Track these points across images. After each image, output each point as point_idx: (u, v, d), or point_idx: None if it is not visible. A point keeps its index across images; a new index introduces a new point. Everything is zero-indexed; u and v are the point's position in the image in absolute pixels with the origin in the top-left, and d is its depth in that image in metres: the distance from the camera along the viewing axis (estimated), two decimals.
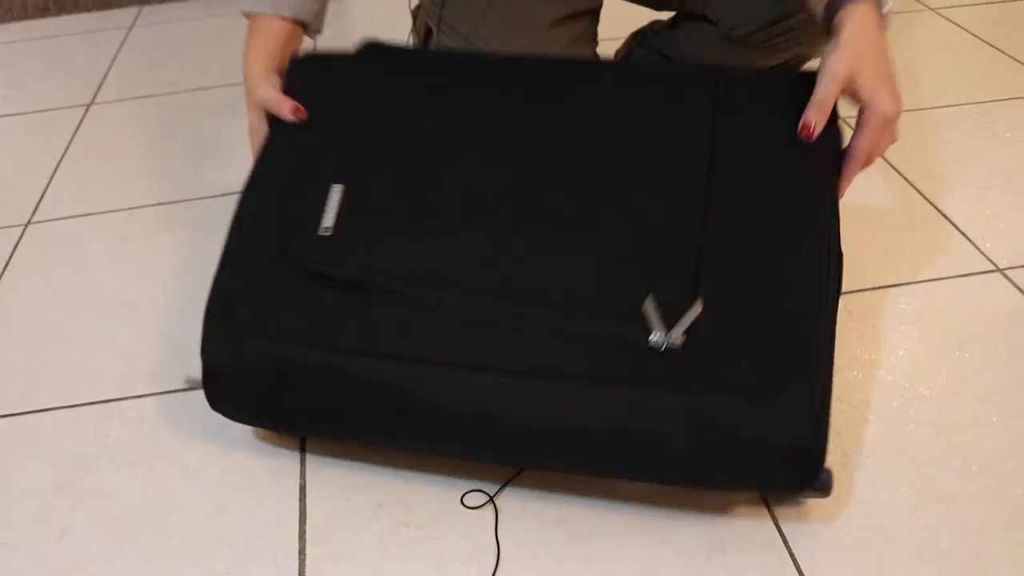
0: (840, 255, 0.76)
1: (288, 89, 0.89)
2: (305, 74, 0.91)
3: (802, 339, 0.71)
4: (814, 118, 0.79)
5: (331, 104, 0.88)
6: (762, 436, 0.69)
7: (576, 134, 0.83)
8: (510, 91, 0.87)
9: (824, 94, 0.79)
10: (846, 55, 0.78)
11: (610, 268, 0.75)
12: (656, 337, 0.71)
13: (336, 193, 0.83)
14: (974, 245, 1.09)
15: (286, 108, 0.87)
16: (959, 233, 1.11)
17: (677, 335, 0.71)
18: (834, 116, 0.80)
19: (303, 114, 0.87)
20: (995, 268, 1.05)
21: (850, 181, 0.82)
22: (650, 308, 0.72)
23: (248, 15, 0.92)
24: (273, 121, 0.89)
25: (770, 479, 0.72)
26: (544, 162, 0.82)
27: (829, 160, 0.80)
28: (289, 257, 0.80)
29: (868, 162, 0.82)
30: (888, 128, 0.80)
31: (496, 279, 0.76)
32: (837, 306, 0.74)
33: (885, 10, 0.80)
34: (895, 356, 0.93)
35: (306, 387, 0.77)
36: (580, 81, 0.86)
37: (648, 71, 0.90)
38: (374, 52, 0.92)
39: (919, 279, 1.04)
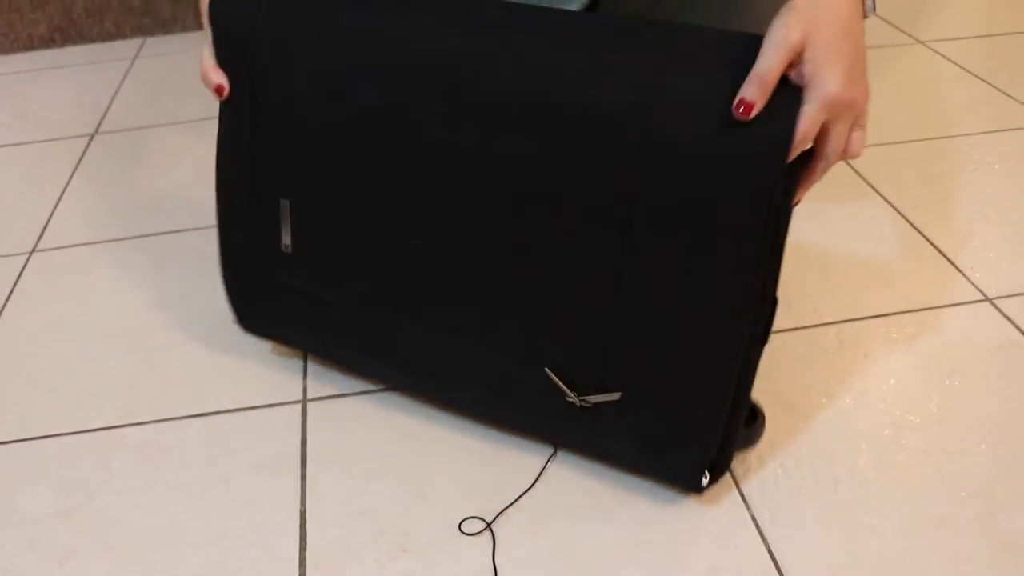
0: (775, 301, 0.73)
1: (216, 39, 0.85)
2: (230, 19, 0.84)
3: (704, 412, 0.77)
4: (752, 95, 0.65)
5: (258, 74, 0.84)
6: (657, 471, 0.84)
7: (492, 175, 0.76)
8: (431, 75, 0.76)
9: (766, 65, 0.64)
10: (798, 19, 0.64)
11: (529, 330, 0.81)
12: (570, 398, 0.82)
13: (286, 210, 0.87)
14: (964, 275, 1.11)
15: (210, 83, 0.85)
16: (949, 263, 1.13)
17: (588, 401, 0.81)
18: (791, 114, 0.65)
19: (223, 95, 0.85)
20: (984, 298, 1.07)
21: (803, 184, 0.69)
22: (550, 375, 0.82)
23: None
24: (220, 105, 0.89)
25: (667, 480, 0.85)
26: (455, 197, 0.79)
27: (771, 180, 0.67)
28: (260, 270, 0.93)
29: (825, 160, 0.68)
30: (841, 116, 0.66)
31: (437, 312, 0.85)
32: (760, 354, 0.75)
33: None
34: (886, 384, 0.95)
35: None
36: (503, 79, 0.74)
37: (583, 63, 0.71)
38: None
39: (910, 308, 1.06)
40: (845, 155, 0.69)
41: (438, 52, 0.75)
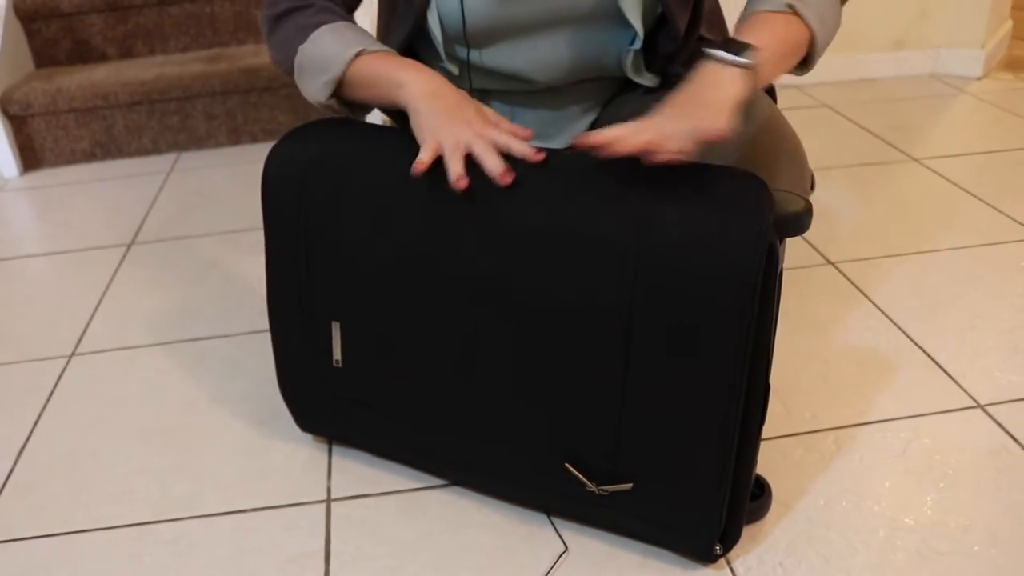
0: (767, 387, 0.83)
1: (270, 187, 0.96)
2: (284, 168, 0.95)
3: (707, 494, 0.85)
4: (592, 139, 0.79)
5: (310, 223, 0.94)
6: (672, 546, 0.93)
7: (502, 301, 0.87)
8: (449, 220, 0.88)
9: (620, 130, 0.79)
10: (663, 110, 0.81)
11: (550, 433, 0.91)
12: (590, 488, 0.90)
13: (336, 330, 0.98)
14: (956, 383, 1.16)
15: (525, 148, 0.87)
16: (942, 371, 1.19)
17: (606, 490, 0.89)
18: (771, 252, 0.77)
19: (509, 179, 0.85)
20: (976, 404, 1.12)
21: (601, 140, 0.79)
22: (571, 469, 0.90)
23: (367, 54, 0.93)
24: (269, 241, 0.99)
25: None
26: (472, 325, 0.89)
27: (748, 289, 0.77)
28: (314, 381, 1.03)
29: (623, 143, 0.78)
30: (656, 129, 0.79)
31: (469, 421, 0.95)
32: (760, 434, 0.85)
33: (730, 59, 0.82)
34: (881, 487, 1.00)
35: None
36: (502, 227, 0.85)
37: (577, 208, 0.83)
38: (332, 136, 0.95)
39: (904, 415, 1.11)
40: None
41: (462, 198, 0.86)
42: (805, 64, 0.92)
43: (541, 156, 0.85)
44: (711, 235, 0.77)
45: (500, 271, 0.85)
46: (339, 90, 0.94)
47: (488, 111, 0.91)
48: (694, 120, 0.79)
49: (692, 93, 0.82)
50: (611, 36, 0.95)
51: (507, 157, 0.86)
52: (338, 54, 0.92)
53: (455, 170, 0.85)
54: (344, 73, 0.92)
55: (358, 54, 0.92)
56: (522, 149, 0.86)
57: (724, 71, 0.82)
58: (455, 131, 0.86)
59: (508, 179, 0.84)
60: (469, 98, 0.91)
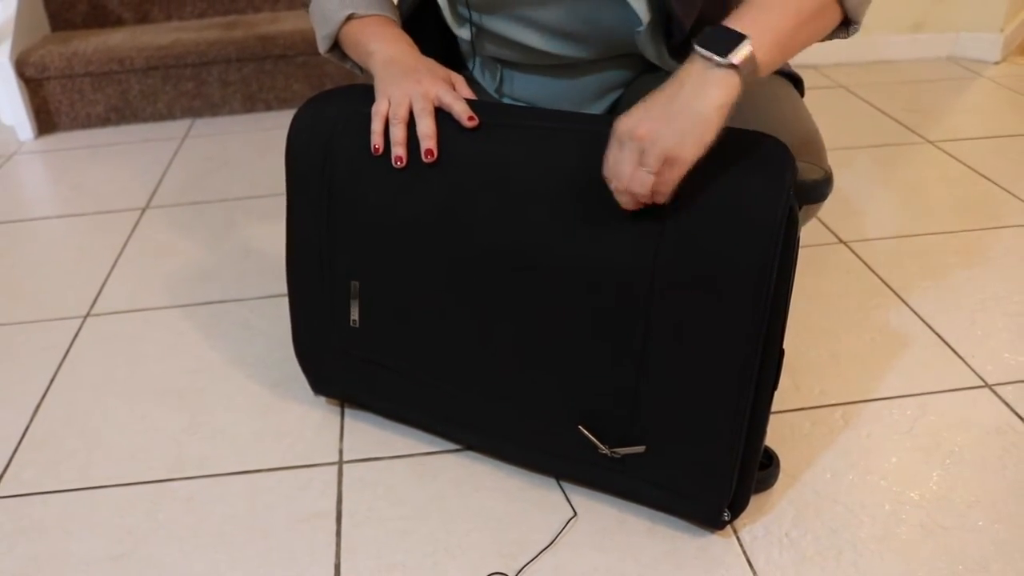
0: (781, 352, 0.83)
1: (298, 149, 0.97)
2: (311, 132, 0.96)
3: (719, 460, 0.86)
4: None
5: (332, 183, 0.95)
6: (681, 512, 0.93)
7: (533, 256, 0.87)
8: (473, 193, 0.88)
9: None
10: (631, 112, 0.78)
11: (566, 395, 0.91)
12: (602, 450, 0.91)
13: (355, 290, 0.99)
14: (965, 362, 1.17)
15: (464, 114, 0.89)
16: (951, 351, 1.19)
17: (618, 453, 0.90)
18: (791, 216, 0.78)
19: (475, 123, 0.89)
20: (984, 384, 1.13)
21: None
22: (584, 431, 0.91)
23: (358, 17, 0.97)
24: (292, 200, 1.00)
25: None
26: (496, 281, 0.89)
27: (767, 252, 0.77)
28: (330, 342, 1.04)
29: (619, 186, 0.78)
30: (625, 149, 0.76)
31: (484, 382, 0.95)
32: (771, 399, 0.85)
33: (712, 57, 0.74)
34: (888, 463, 1.01)
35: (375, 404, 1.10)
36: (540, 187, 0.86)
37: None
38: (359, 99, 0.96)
39: (913, 392, 1.12)
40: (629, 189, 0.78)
41: (485, 156, 0.87)
42: (848, 24, 0.84)
43: (474, 123, 0.89)
44: (735, 193, 0.77)
45: (519, 233, 0.86)
46: (338, 45, 1.01)
47: (455, 76, 0.94)
48: (669, 136, 0.74)
49: (671, 97, 0.75)
50: (614, 14, 0.93)
51: (518, 133, 0.87)
52: (332, 14, 0.98)
53: (396, 133, 0.90)
54: (337, 33, 0.99)
55: (348, 17, 0.97)
56: (461, 110, 0.89)
57: (710, 73, 0.74)
58: (404, 87, 0.91)
59: (429, 143, 0.89)
60: (427, 63, 0.94)
